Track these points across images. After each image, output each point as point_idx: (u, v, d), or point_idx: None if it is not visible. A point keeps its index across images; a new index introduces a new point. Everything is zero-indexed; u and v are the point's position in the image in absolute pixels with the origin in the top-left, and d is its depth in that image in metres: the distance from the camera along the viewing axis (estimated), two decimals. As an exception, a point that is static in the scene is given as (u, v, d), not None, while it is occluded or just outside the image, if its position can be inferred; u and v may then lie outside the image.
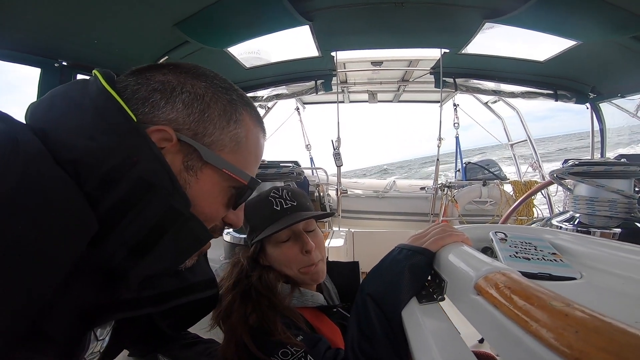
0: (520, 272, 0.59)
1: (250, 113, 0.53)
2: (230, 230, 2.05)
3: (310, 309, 0.91)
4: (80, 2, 1.29)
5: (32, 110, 0.45)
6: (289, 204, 0.92)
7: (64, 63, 1.56)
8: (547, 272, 0.61)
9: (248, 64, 2.45)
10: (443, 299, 0.60)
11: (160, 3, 1.47)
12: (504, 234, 0.83)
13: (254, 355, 0.75)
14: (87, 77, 0.48)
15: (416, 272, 0.66)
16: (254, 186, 0.53)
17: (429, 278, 0.67)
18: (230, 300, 0.83)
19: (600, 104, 2.77)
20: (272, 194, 0.94)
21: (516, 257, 0.69)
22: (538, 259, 0.68)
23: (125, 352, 0.91)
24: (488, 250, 0.84)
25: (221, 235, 0.59)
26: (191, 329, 0.97)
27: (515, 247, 0.75)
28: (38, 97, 1.54)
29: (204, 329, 0.87)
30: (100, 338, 0.51)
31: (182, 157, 0.47)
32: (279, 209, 0.91)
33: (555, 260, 0.68)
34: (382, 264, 0.72)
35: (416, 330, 0.54)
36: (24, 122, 0.44)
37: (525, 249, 0.74)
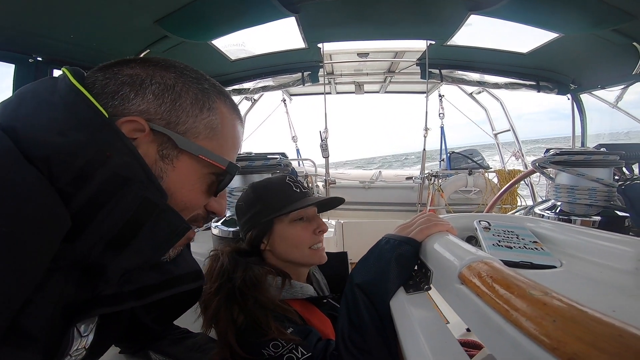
0: (502, 260, 0.61)
1: (225, 101, 0.54)
2: (219, 223, 2.04)
3: (300, 300, 0.91)
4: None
5: (1, 109, 0.44)
6: (305, 189, 1.00)
7: (39, 59, 1.50)
8: (529, 261, 0.62)
9: (233, 56, 2.41)
10: (429, 289, 0.61)
11: (140, 0, 1.42)
12: (487, 222, 0.85)
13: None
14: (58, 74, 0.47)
15: (403, 262, 0.67)
16: (233, 171, 0.53)
17: (416, 268, 0.68)
18: (215, 307, 0.82)
19: (581, 95, 2.84)
20: (288, 178, 1.01)
21: (499, 245, 0.71)
22: (520, 247, 0.70)
23: (116, 350, 0.91)
24: (473, 239, 0.86)
25: (205, 224, 0.58)
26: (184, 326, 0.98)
27: (498, 235, 0.77)
28: (13, 93, 1.48)
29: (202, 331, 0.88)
30: (84, 334, 0.50)
31: (156, 147, 0.47)
32: (298, 191, 0.98)
33: (536, 248, 0.70)
34: (369, 255, 0.73)
35: (403, 320, 0.55)
36: None
37: (508, 237, 0.76)
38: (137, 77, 0.47)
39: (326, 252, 1.16)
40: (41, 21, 1.35)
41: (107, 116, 0.43)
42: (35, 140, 0.40)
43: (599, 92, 2.65)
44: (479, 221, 0.85)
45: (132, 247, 0.43)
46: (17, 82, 1.50)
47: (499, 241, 0.73)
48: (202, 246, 1.85)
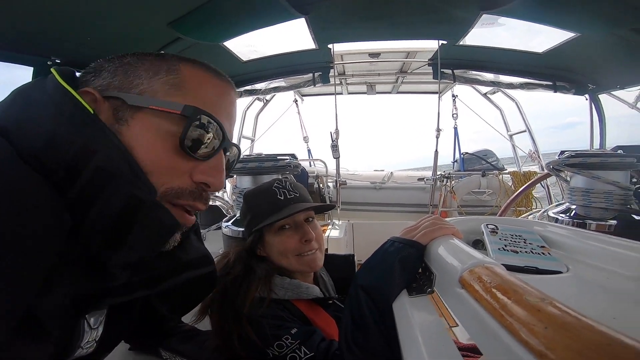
0: (507, 265, 0.60)
1: (192, 64, 0.53)
2: (229, 223, 2.07)
3: (306, 301, 0.92)
4: (71, 1, 1.28)
5: None
6: (292, 194, 0.96)
7: (57, 61, 1.54)
8: (534, 266, 0.62)
9: (245, 57, 2.43)
10: (432, 292, 0.60)
11: (153, 3, 1.45)
12: (495, 226, 0.84)
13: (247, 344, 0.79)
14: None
15: (406, 265, 0.67)
16: (192, 114, 0.48)
17: (420, 271, 0.68)
18: (210, 298, 0.86)
19: (599, 96, 2.76)
20: (275, 184, 0.98)
21: (505, 250, 0.70)
22: (526, 252, 0.69)
23: (125, 346, 0.93)
24: (479, 243, 0.85)
25: (206, 205, 0.53)
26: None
27: (505, 239, 0.76)
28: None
29: (192, 320, 0.90)
30: (94, 327, 0.52)
31: (112, 112, 0.47)
32: (282, 198, 0.95)
33: (543, 253, 0.69)
34: (374, 257, 0.73)
35: (404, 323, 0.55)
36: None
37: (515, 241, 0.75)
38: (100, 65, 0.51)
39: (333, 254, 1.17)
40: (59, 24, 1.38)
41: (92, 112, 0.45)
42: (26, 137, 0.41)
43: (618, 93, 2.57)
44: (487, 225, 0.84)
45: (128, 244, 0.44)
46: (35, 84, 1.54)
47: (505, 245, 0.73)
48: (213, 245, 1.88)
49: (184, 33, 1.72)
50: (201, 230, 0.67)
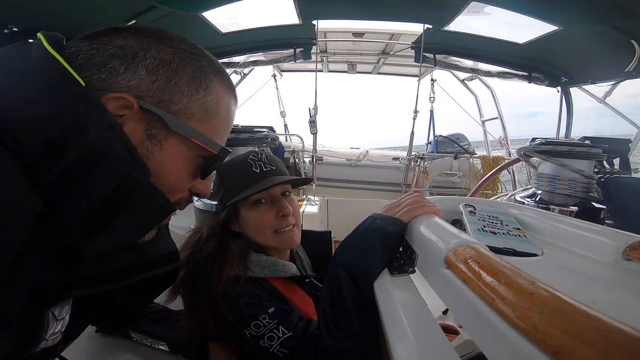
0: (487, 246, 0.62)
1: (222, 80, 0.51)
2: (202, 197, 2.01)
3: (282, 279, 0.90)
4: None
5: None
6: (268, 167, 0.91)
7: (15, 29, 1.39)
8: (512, 248, 0.63)
9: (224, 29, 2.30)
10: (414, 272, 0.60)
11: None
12: (473, 207, 0.85)
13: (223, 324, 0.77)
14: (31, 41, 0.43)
15: (388, 244, 0.65)
16: (224, 155, 0.51)
17: (401, 249, 0.67)
18: (182, 277, 0.82)
19: (570, 88, 2.87)
20: (251, 156, 0.92)
21: (484, 230, 0.71)
22: (503, 233, 0.71)
23: (92, 329, 0.89)
24: (458, 223, 0.86)
25: (187, 204, 0.56)
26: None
27: (483, 220, 0.78)
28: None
29: (164, 300, 0.87)
30: (60, 318, 0.48)
31: (144, 126, 0.44)
32: (258, 171, 0.90)
33: (519, 235, 0.71)
34: (354, 234, 0.71)
35: (387, 303, 0.55)
36: None
37: (492, 223, 0.77)
38: (130, 50, 0.43)
39: (310, 231, 1.15)
40: None
41: (83, 85, 0.39)
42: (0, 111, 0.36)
43: (588, 87, 2.69)
44: (465, 205, 0.85)
45: (112, 228, 0.41)
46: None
47: (484, 226, 0.74)
48: (184, 220, 1.81)
49: (159, 1, 1.58)
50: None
